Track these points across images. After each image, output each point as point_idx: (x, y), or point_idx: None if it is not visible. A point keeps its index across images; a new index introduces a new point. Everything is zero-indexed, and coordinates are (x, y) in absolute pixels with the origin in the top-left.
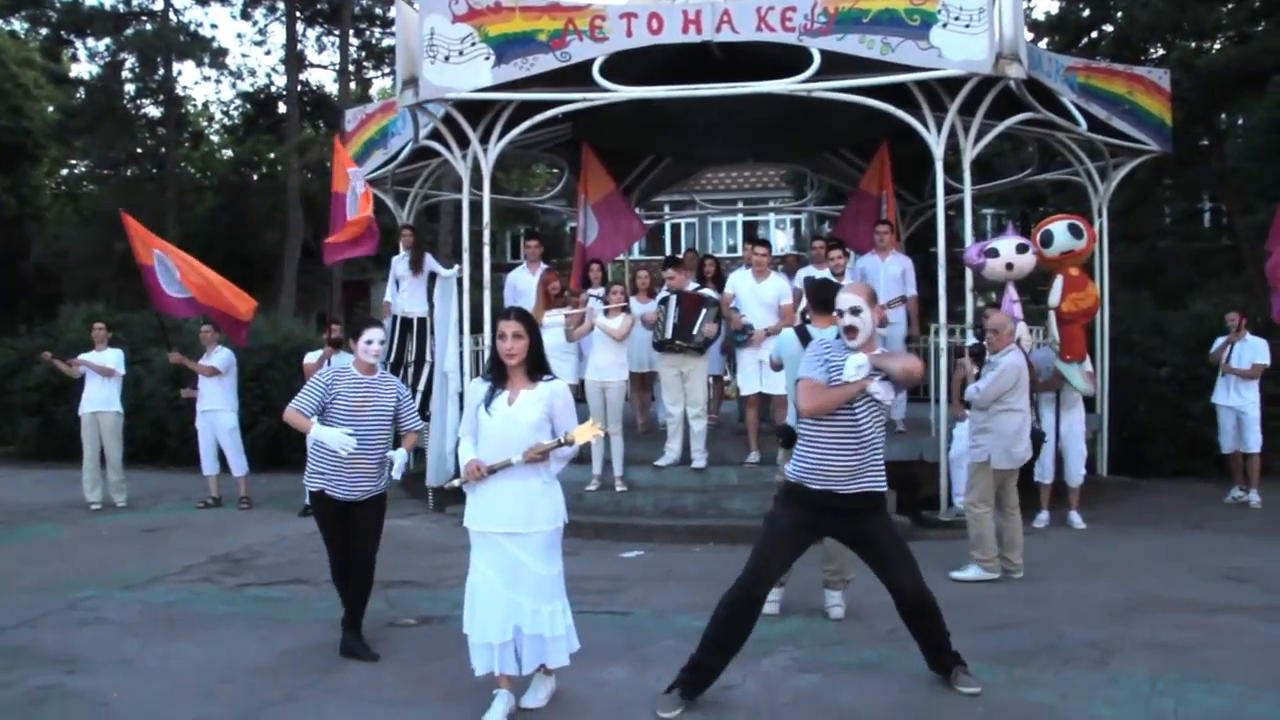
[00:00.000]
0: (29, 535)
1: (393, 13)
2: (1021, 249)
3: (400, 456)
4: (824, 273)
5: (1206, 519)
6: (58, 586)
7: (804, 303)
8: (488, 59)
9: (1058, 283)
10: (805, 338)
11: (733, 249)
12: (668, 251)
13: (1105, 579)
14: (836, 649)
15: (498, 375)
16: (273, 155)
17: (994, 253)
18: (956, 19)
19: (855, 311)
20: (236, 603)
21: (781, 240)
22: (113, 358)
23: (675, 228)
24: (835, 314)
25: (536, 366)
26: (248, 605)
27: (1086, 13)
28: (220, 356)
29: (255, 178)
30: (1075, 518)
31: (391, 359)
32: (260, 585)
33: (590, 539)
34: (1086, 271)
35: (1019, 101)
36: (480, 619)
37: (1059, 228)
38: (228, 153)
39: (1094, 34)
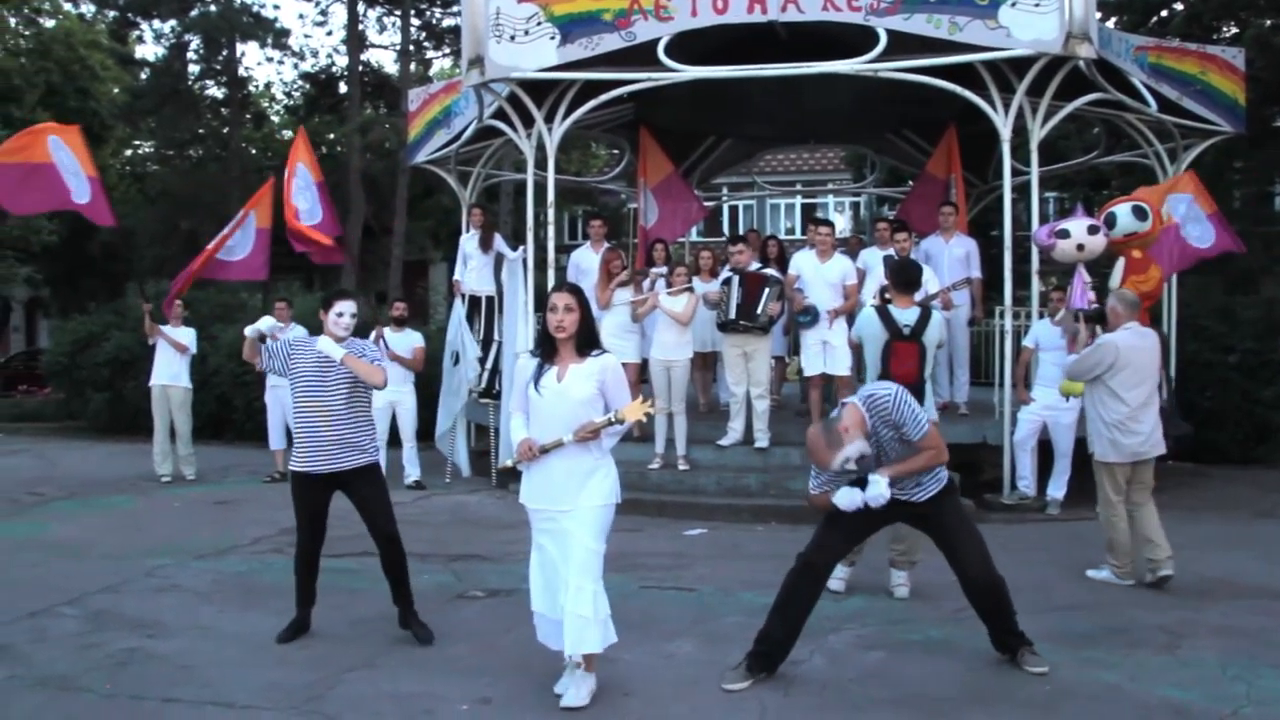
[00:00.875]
0: (104, 506)
1: None
2: (1092, 230)
3: (333, 350)
4: (889, 253)
5: (1276, 506)
6: (134, 555)
7: (865, 282)
8: (553, 38)
9: (1119, 265)
10: (886, 318)
11: (791, 231)
12: (726, 232)
13: (1174, 565)
14: (902, 627)
15: (547, 350)
16: (332, 135)
17: (1065, 234)
18: None
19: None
20: None
21: (840, 222)
22: (186, 335)
23: (734, 209)
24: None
25: (587, 341)
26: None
27: None
28: (296, 333)
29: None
30: None
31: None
32: (330, 557)
33: (654, 516)
34: (1150, 255)
35: (1088, 82)
36: (549, 595)
37: (1123, 209)
38: (288, 133)
39: (1164, 12)
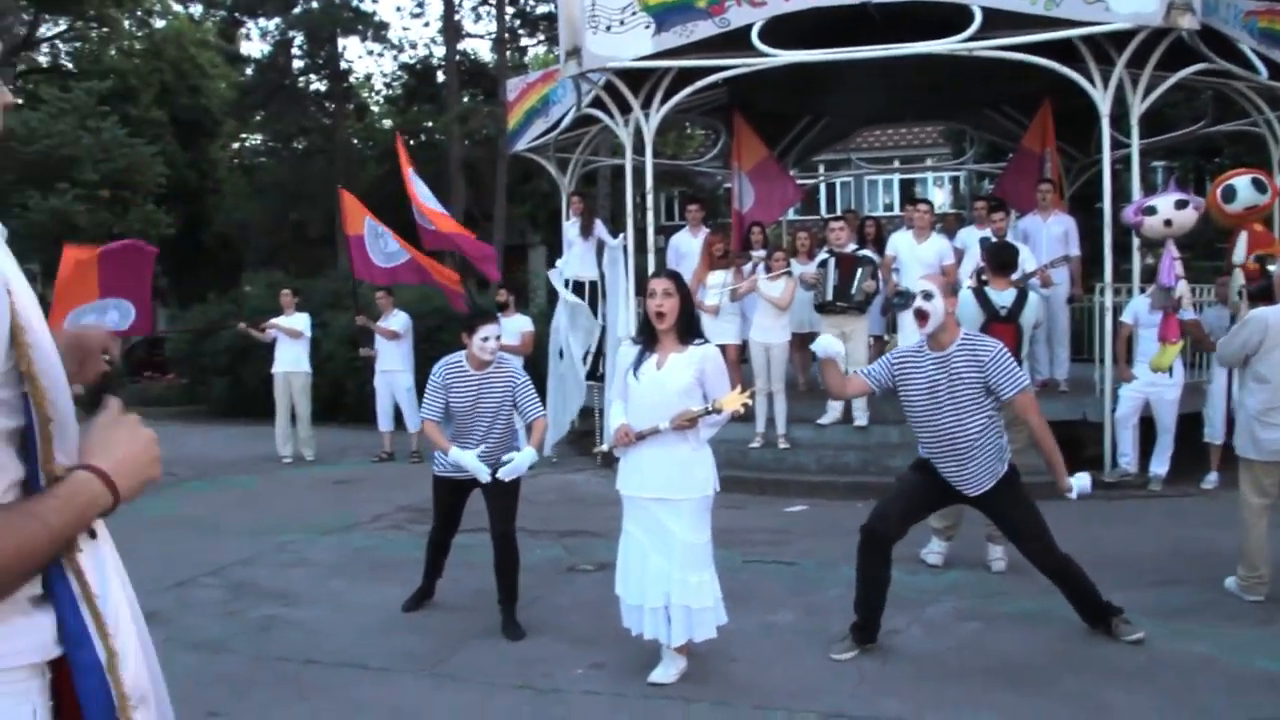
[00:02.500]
0: (230, 485)
1: None
2: (1180, 205)
3: (526, 458)
4: (985, 233)
5: None
6: (264, 531)
7: (963, 261)
8: (648, 27)
9: (1242, 239)
10: (983, 299)
11: (889, 207)
12: (823, 211)
13: (1274, 541)
14: (998, 599)
15: (648, 338)
16: (430, 124)
17: (1151, 210)
18: None
19: (928, 296)
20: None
21: (939, 197)
22: (300, 321)
23: (830, 187)
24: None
25: (688, 329)
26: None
27: None
28: (399, 320)
29: (411, 142)
30: None
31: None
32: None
33: (755, 494)
34: (1269, 227)
35: (1192, 51)
36: (632, 582)
37: (1242, 182)
38: (387, 123)
39: None
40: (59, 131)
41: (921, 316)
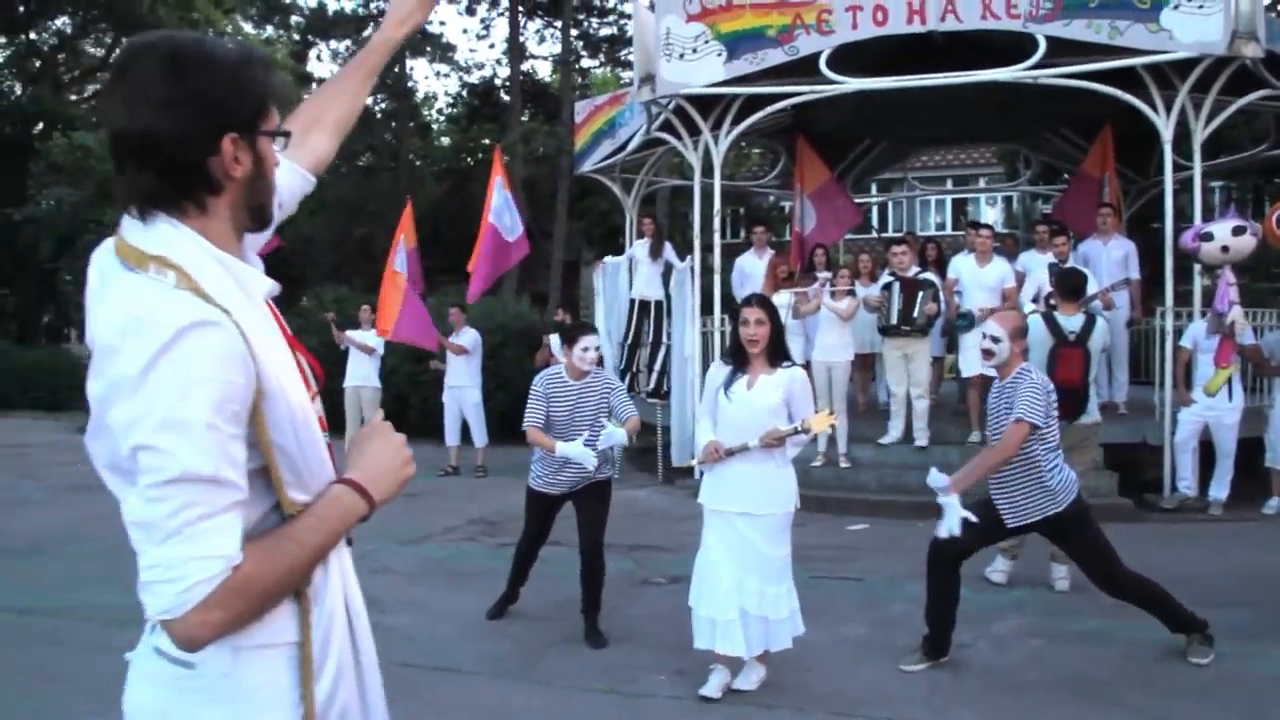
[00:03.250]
0: None
1: (610, 2)
2: (1238, 231)
3: (617, 436)
4: (1047, 257)
5: None
6: None
7: (1024, 285)
8: (719, 55)
9: None
10: (1052, 324)
11: (940, 226)
12: (875, 229)
13: None
14: (1062, 617)
15: (738, 360)
16: (487, 141)
17: (1209, 236)
18: (1190, 0)
19: (995, 340)
20: (500, 559)
21: (991, 215)
22: (374, 338)
23: (882, 206)
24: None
25: (777, 353)
26: (509, 562)
27: None
28: (468, 337)
29: (471, 162)
30: None
31: (629, 340)
32: (494, 543)
33: (816, 512)
34: None
35: (1255, 75)
36: (707, 595)
37: None
38: (445, 140)
39: None
40: None
41: (987, 354)
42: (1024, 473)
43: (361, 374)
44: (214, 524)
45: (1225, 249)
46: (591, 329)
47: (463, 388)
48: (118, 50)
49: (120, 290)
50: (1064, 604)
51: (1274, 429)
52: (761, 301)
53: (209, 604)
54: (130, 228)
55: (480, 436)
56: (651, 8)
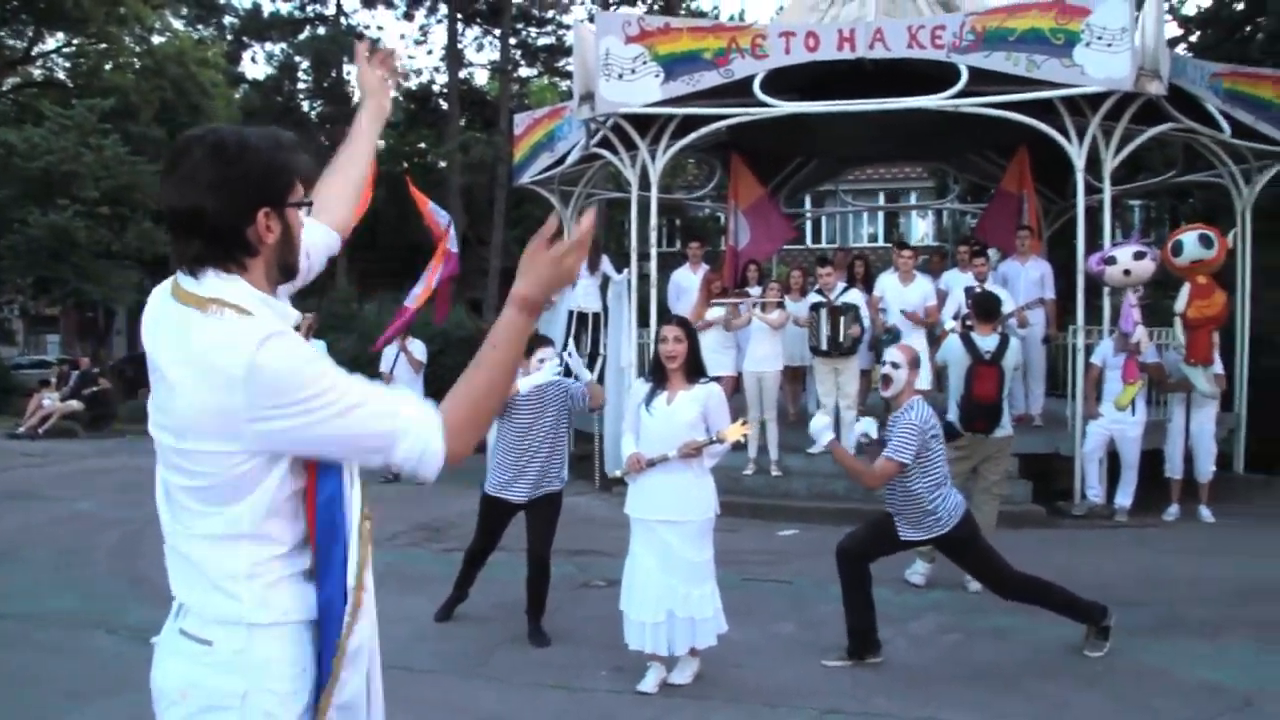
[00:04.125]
0: None
1: (549, 12)
2: (1138, 256)
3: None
4: (968, 276)
5: None
6: None
7: (945, 303)
8: (657, 76)
9: (1185, 290)
10: (969, 344)
11: (873, 238)
12: (809, 241)
13: (1226, 567)
14: (975, 615)
15: (658, 376)
16: (424, 146)
17: (1112, 260)
18: (1099, 38)
19: (895, 366)
20: (446, 564)
21: (922, 228)
22: (317, 347)
23: (816, 218)
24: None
25: (694, 369)
26: (455, 567)
27: (1240, 6)
28: (418, 348)
29: (407, 165)
30: (1205, 512)
31: (566, 351)
32: (463, 550)
33: (748, 518)
34: (1215, 280)
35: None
36: (636, 599)
37: (1190, 238)
38: (380, 143)
39: (1248, 28)
40: (61, 148)
41: (886, 381)
42: (907, 501)
43: None
44: (383, 405)
45: (1127, 272)
46: (549, 341)
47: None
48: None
49: (195, 329)
50: (977, 603)
51: (1172, 442)
52: (680, 321)
53: (449, 445)
54: (184, 280)
55: None
56: (591, 23)
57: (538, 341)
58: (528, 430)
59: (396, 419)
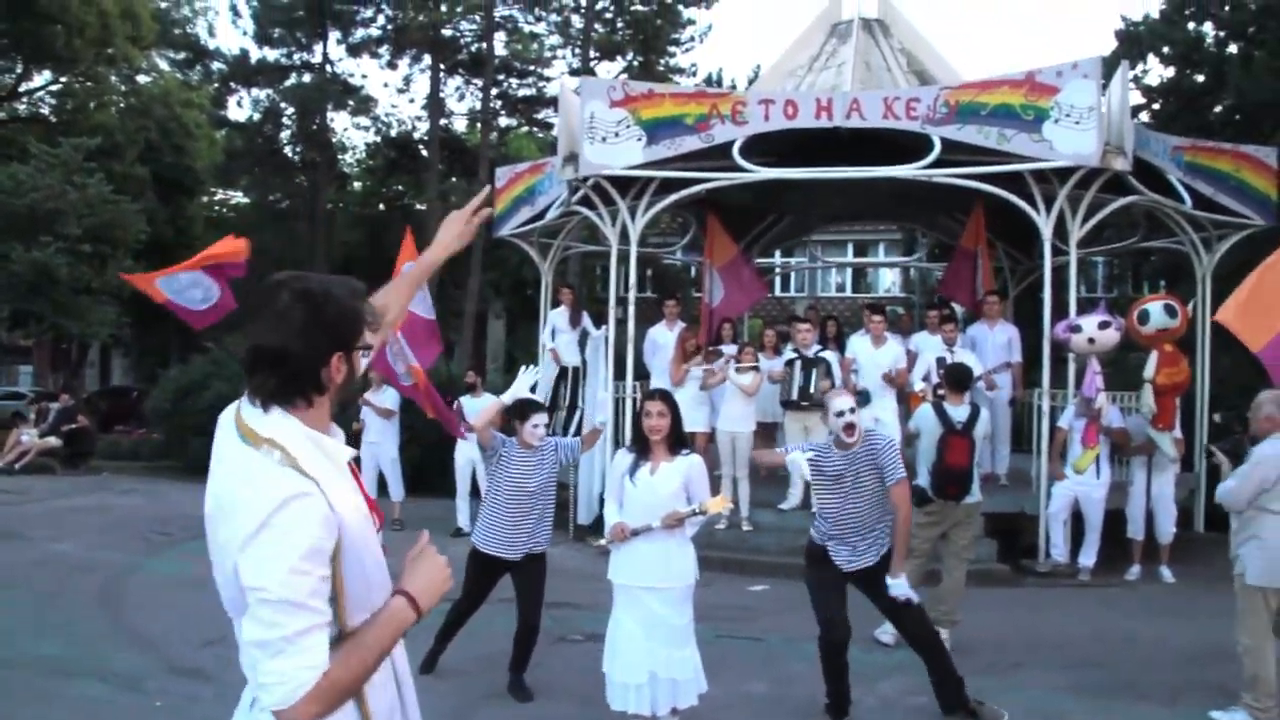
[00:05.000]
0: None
1: (529, 65)
2: (1103, 325)
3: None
4: (937, 339)
5: None
6: None
7: (915, 365)
8: (640, 139)
9: (1153, 358)
10: (941, 414)
11: (840, 288)
12: (778, 289)
13: (1185, 629)
14: None
15: (641, 448)
16: (402, 189)
17: (1077, 329)
18: (1068, 115)
19: (853, 410)
20: (434, 613)
21: (889, 278)
22: (393, 398)
23: (785, 267)
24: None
25: (677, 441)
26: (435, 617)
27: (1200, 79)
28: (389, 396)
29: (383, 207)
30: (1165, 572)
31: (547, 404)
32: (443, 600)
33: (719, 572)
34: (1180, 347)
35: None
36: (620, 661)
37: (1155, 307)
38: (357, 184)
39: (1207, 99)
40: (46, 185)
41: (849, 429)
42: (870, 511)
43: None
44: (308, 641)
45: (1092, 340)
46: (541, 406)
47: (380, 443)
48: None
49: (240, 462)
50: None
51: (1134, 503)
52: (663, 396)
53: (308, 700)
54: (249, 411)
55: (396, 491)
56: (578, 92)
57: (533, 406)
58: (521, 488)
59: (292, 643)
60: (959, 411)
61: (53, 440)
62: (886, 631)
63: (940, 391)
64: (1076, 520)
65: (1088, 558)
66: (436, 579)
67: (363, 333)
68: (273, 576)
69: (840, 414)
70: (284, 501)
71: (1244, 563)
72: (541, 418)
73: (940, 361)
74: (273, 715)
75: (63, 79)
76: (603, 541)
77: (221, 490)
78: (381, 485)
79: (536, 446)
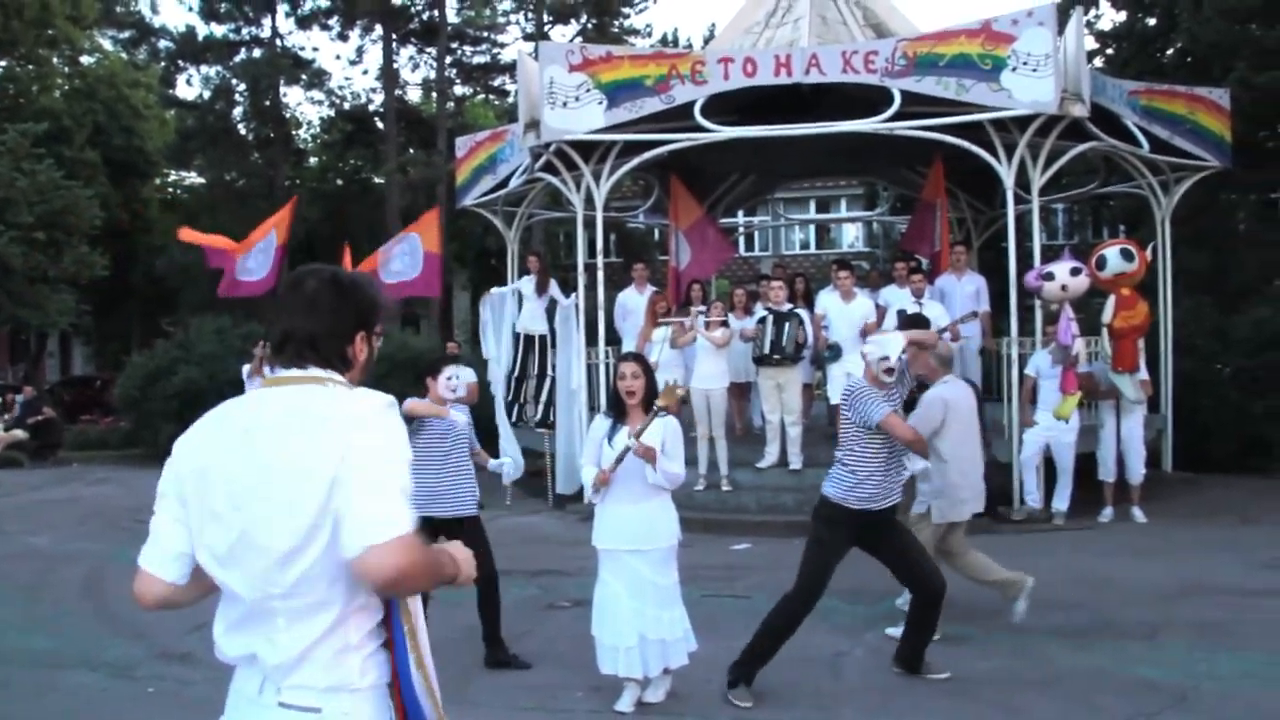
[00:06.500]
0: None
1: (484, 31)
2: (1075, 272)
3: (508, 465)
4: (905, 291)
5: (1261, 513)
6: None
7: (885, 318)
8: (600, 103)
9: (1110, 301)
10: None
11: (805, 244)
12: (742, 249)
13: (1160, 567)
14: None
15: (618, 411)
16: (358, 165)
17: (1050, 276)
18: (1025, 64)
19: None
20: None
21: (852, 233)
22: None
23: (749, 225)
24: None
25: (652, 403)
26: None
27: (1153, 22)
28: None
29: (341, 183)
30: (1137, 512)
31: (515, 372)
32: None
33: (700, 533)
34: (1139, 290)
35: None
36: (608, 625)
37: (1112, 252)
38: (313, 160)
39: (1160, 43)
40: None
41: (889, 371)
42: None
43: None
44: (410, 510)
45: (1064, 288)
46: (453, 360)
47: None
48: None
49: (302, 400)
50: None
51: (1104, 446)
52: (637, 358)
53: (403, 545)
54: (285, 371)
55: None
56: (535, 58)
57: (443, 360)
58: (435, 450)
59: (405, 496)
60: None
61: (19, 433)
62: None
63: None
64: (1049, 466)
65: (1061, 502)
66: (469, 563)
67: (381, 318)
68: (394, 452)
69: (884, 359)
70: (380, 408)
71: (925, 503)
72: (454, 370)
73: (900, 314)
74: (367, 555)
75: (3, 63)
76: (590, 498)
77: (289, 421)
78: None
79: (449, 402)
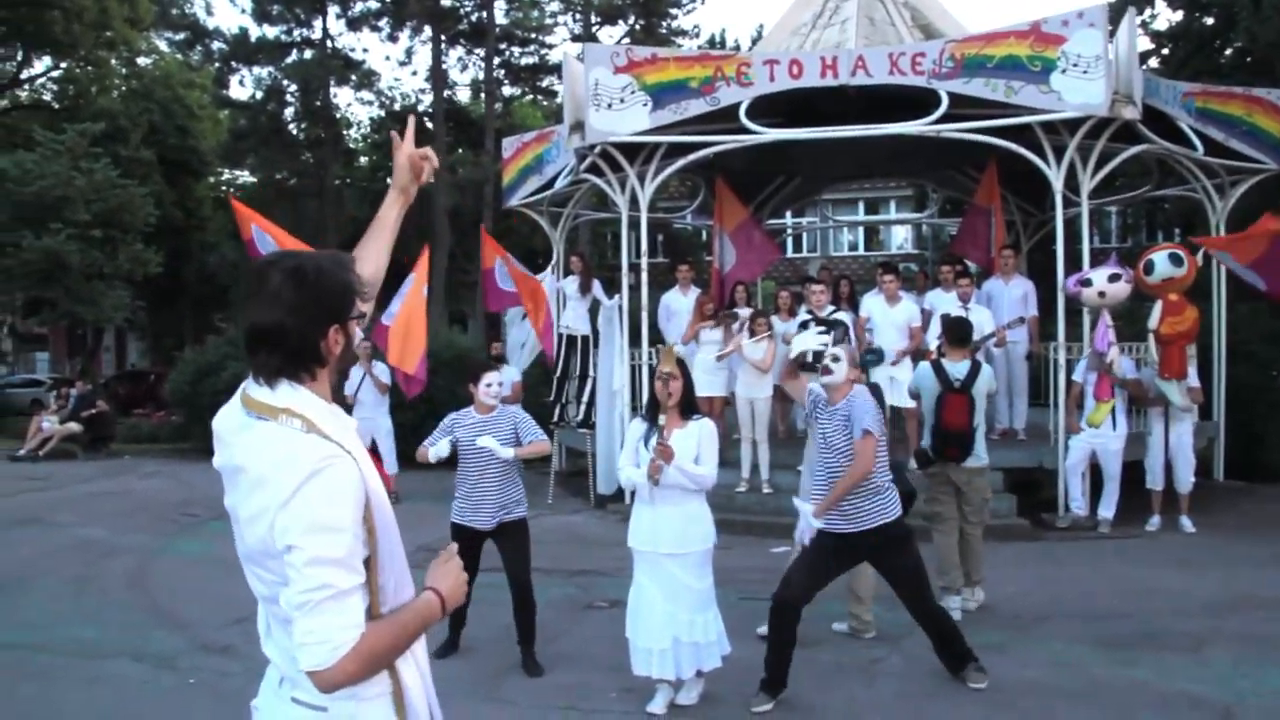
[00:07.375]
0: None
1: (531, 33)
2: (1113, 278)
3: (505, 450)
4: (952, 295)
5: None
6: None
7: (930, 323)
8: (645, 105)
9: (1157, 307)
10: (939, 371)
11: (853, 246)
12: (789, 251)
13: (1207, 579)
14: (967, 633)
15: (655, 413)
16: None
17: (1088, 282)
18: (1075, 65)
19: (835, 360)
20: None
21: (900, 235)
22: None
23: (797, 226)
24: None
25: (689, 405)
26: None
27: (1210, 21)
28: (382, 371)
29: (390, 181)
30: (1185, 522)
31: (559, 372)
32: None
33: (741, 535)
34: (1188, 296)
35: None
36: (643, 626)
37: (1160, 257)
38: (364, 159)
39: (1217, 43)
40: (53, 173)
41: (826, 370)
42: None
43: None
44: (349, 602)
45: (1102, 294)
46: (493, 366)
47: (373, 417)
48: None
49: (260, 436)
50: (969, 620)
51: (1152, 454)
52: (676, 361)
53: (348, 659)
54: (254, 388)
55: (391, 463)
56: (581, 59)
57: (484, 366)
58: (478, 453)
59: (334, 601)
60: (958, 368)
61: (74, 426)
62: (952, 608)
63: (941, 348)
64: (1095, 473)
65: (1107, 510)
66: (458, 585)
67: (355, 303)
68: (312, 536)
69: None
70: (317, 465)
71: None
72: (495, 376)
73: (944, 318)
74: (309, 676)
75: (63, 65)
76: (645, 481)
77: (247, 463)
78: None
79: (491, 408)
